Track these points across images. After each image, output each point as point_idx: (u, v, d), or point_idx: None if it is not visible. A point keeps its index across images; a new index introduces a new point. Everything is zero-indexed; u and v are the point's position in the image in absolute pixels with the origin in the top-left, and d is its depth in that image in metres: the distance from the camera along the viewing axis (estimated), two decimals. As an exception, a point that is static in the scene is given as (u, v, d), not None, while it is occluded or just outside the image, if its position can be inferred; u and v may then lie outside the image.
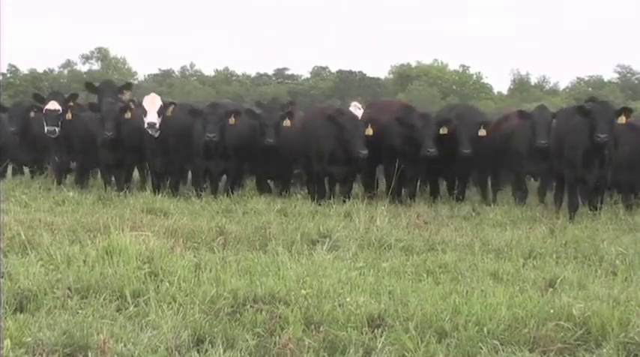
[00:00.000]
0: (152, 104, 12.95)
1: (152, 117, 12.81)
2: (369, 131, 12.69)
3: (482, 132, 13.09)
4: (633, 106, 18.47)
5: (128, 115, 13.27)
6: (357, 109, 15.99)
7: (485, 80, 68.20)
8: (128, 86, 15.14)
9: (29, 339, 5.03)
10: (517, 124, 13.20)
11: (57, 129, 13.33)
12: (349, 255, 7.77)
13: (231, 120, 12.93)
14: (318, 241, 8.39)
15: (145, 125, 12.82)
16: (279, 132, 13.04)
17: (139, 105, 13.29)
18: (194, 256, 7.32)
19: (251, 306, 5.74)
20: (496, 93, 65.63)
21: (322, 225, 9.14)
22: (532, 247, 8.23)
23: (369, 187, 13.55)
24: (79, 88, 18.43)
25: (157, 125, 12.82)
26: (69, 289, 6.03)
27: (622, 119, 11.36)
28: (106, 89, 14.84)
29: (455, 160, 13.02)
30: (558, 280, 6.70)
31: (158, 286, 6.16)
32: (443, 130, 12.80)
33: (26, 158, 14.93)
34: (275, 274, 6.60)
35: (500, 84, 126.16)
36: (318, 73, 69.54)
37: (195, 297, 5.85)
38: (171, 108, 13.11)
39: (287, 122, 13.20)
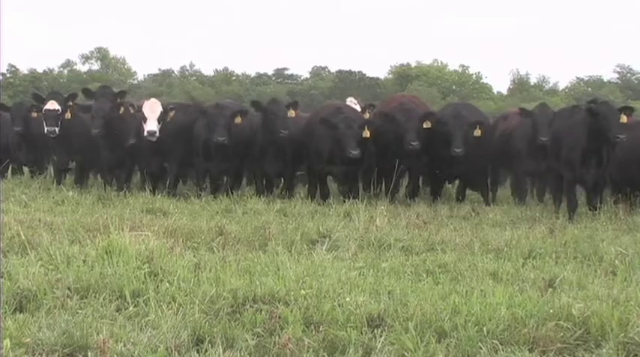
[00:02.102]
0: (152, 111, 12.81)
1: (152, 125, 12.71)
2: (367, 134, 12.63)
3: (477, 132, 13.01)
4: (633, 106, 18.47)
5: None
6: (352, 104, 16.01)
7: (484, 80, 68.31)
8: (123, 94, 15.16)
9: (29, 339, 5.02)
10: (517, 123, 13.23)
11: (57, 129, 13.33)
12: (349, 255, 7.77)
13: (238, 119, 12.85)
14: (317, 241, 8.40)
15: (145, 133, 12.73)
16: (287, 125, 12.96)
17: (139, 110, 13.20)
18: (194, 256, 7.33)
19: (251, 306, 5.74)
20: (496, 93, 65.73)
21: (322, 225, 9.14)
22: (531, 247, 8.23)
23: (368, 187, 13.56)
24: (79, 88, 18.44)
25: (157, 133, 12.73)
26: (69, 289, 6.03)
27: (623, 119, 11.39)
28: (103, 95, 14.80)
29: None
30: (558, 280, 6.70)
31: (158, 286, 6.16)
32: (426, 124, 12.78)
33: (26, 158, 14.93)
34: (275, 274, 6.60)
35: (500, 84, 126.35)
36: (318, 73, 69.59)
37: (195, 297, 5.85)
38: (171, 114, 13.03)
39: (292, 113, 13.13)
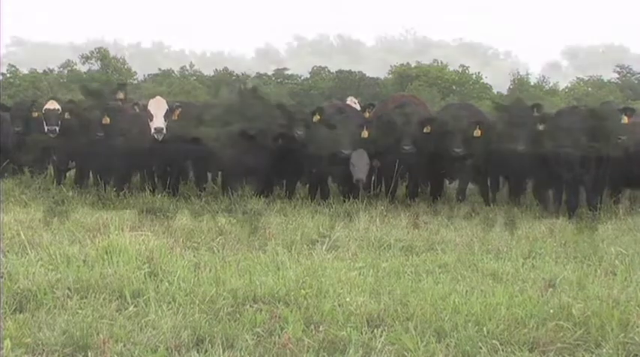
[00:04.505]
0: (158, 108, 12.73)
1: (159, 122, 12.60)
2: (365, 134, 12.63)
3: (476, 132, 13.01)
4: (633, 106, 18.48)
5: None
6: (352, 103, 16.00)
7: (484, 80, 68.21)
8: (122, 87, 15.08)
9: (29, 339, 5.03)
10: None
11: (57, 128, 13.34)
12: (349, 255, 7.77)
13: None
14: (317, 241, 8.39)
15: (152, 131, 12.63)
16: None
17: (144, 108, 13.13)
18: (194, 256, 7.34)
19: (251, 306, 5.74)
20: (496, 93, 65.61)
21: (322, 225, 9.15)
22: (531, 247, 8.24)
23: (368, 187, 13.53)
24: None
25: (164, 130, 12.66)
26: (69, 289, 6.03)
27: (624, 119, 11.38)
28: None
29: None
30: (558, 280, 6.71)
31: (158, 286, 6.17)
32: (426, 129, 12.77)
33: (26, 158, 14.91)
34: (275, 273, 6.60)
35: (500, 84, 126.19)
36: (318, 73, 69.51)
37: (195, 297, 5.86)
38: (177, 112, 12.98)
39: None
